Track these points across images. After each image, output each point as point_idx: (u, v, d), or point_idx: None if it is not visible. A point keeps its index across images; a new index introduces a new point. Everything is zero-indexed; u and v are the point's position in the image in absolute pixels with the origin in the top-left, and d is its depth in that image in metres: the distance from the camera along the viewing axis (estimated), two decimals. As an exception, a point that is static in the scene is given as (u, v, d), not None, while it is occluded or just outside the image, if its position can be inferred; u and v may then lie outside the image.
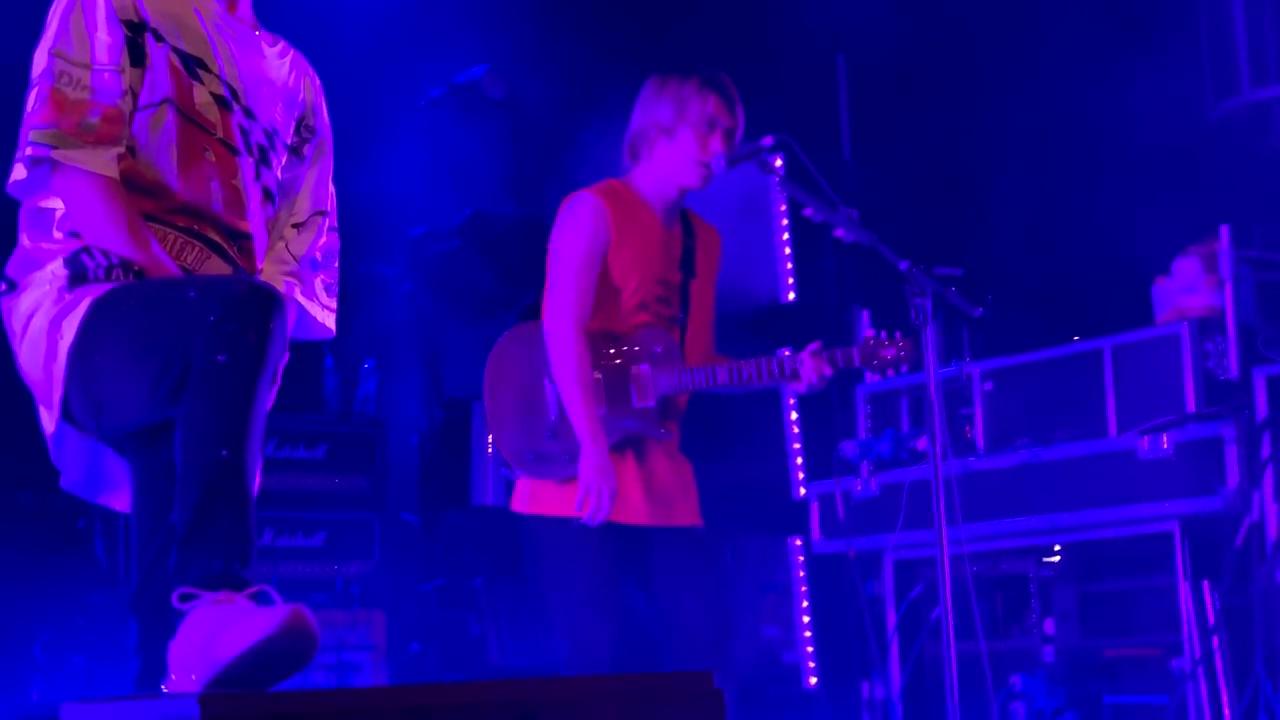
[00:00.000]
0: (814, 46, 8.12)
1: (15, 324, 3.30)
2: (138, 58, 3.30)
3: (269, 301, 3.01)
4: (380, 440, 7.62)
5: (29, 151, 3.23)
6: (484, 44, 7.92)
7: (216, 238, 3.37)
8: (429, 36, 8.03)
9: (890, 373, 4.89)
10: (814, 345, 4.88)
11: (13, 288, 3.32)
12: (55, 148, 3.21)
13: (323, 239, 3.69)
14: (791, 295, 7.86)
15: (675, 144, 4.93)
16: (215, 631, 2.78)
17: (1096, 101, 7.67)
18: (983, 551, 6.34)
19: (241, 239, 3.43)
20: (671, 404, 4.97)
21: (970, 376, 6.46)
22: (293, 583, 7.09)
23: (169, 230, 3.32)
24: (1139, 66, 7.28)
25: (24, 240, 3.33)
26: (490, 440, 4.90)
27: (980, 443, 6.40)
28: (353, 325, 7.50)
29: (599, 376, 4.88)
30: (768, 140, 4.90)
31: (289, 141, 3.58)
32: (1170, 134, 7.25)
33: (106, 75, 3.26)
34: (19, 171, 3.26)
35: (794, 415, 7.78)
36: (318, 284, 3.68)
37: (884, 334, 4.86)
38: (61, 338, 3.17)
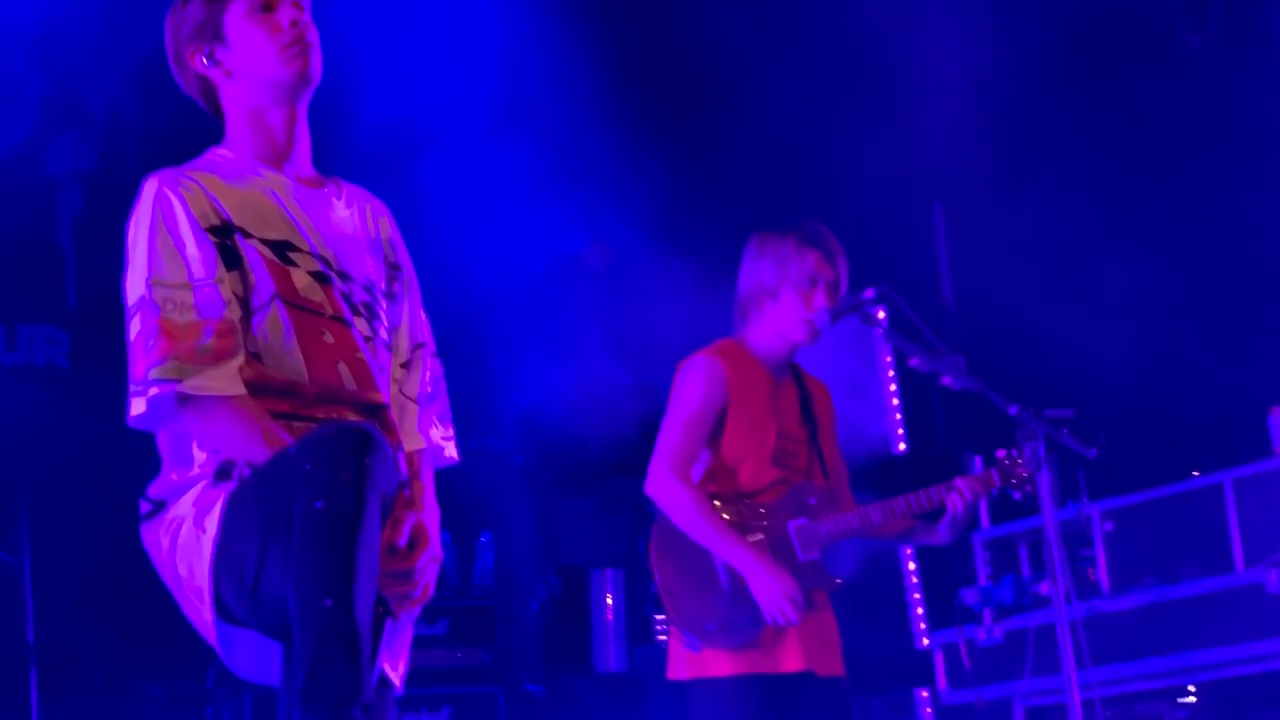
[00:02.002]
0: (911, 195, 8.16)
1: (163, 539, 3.27)
2: (232, 260, 3.27)
3: (361, 440, 2.97)
4: (500, 612, 7.63)
5: (154, 391, 3.18)
6: (588, 213, 8.02)
7: (354, 417, 3.32)
8: (533, 208, 8.15)
9: (1029, 489, 4.84)
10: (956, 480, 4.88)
11: (158, 509, 3.31)
12: (180, 380, 3.18)
13: (428, 371, 3.63)
14: (902, 445, 7.84)
15: (780, 304, 4.96)
16: None
17: (1200, 234, 7.65)
18: (1115, 695, 6.23)
19: (378, 410, 3.39)
20: (834, 552, 4.98)
21: (1089, 517, 6.39)
22: (420, 760, 7.09)
23: (309, 424, 3.27)
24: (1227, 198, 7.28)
25: (171, 474, 3.30)
26: (667, 618, 4.87)
27: (1104, 584, 6.32)
28: (467, 500, 7.54)
29: (760, 538, 4.88)
30: (870, 293, 4.92)
31: (384, 289, 3.54)
32: None
33: (207, 290, 3.22)
34: (138, 406, 3.21)
35: (911, 565, 7.72)
36: (434, 417, 3.63)
37: (1014, 451, 4.83)
38: (204, 533, 3.15)
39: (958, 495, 4.84)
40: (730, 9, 8.10)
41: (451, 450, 3.65)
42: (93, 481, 7.57)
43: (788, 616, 4.74)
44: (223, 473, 3.22)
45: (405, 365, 3.59)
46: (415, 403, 3.58)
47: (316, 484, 2.93)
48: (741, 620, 4.81)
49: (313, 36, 3.43)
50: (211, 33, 3.40)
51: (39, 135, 8.19)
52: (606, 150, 8.15)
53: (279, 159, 3.44)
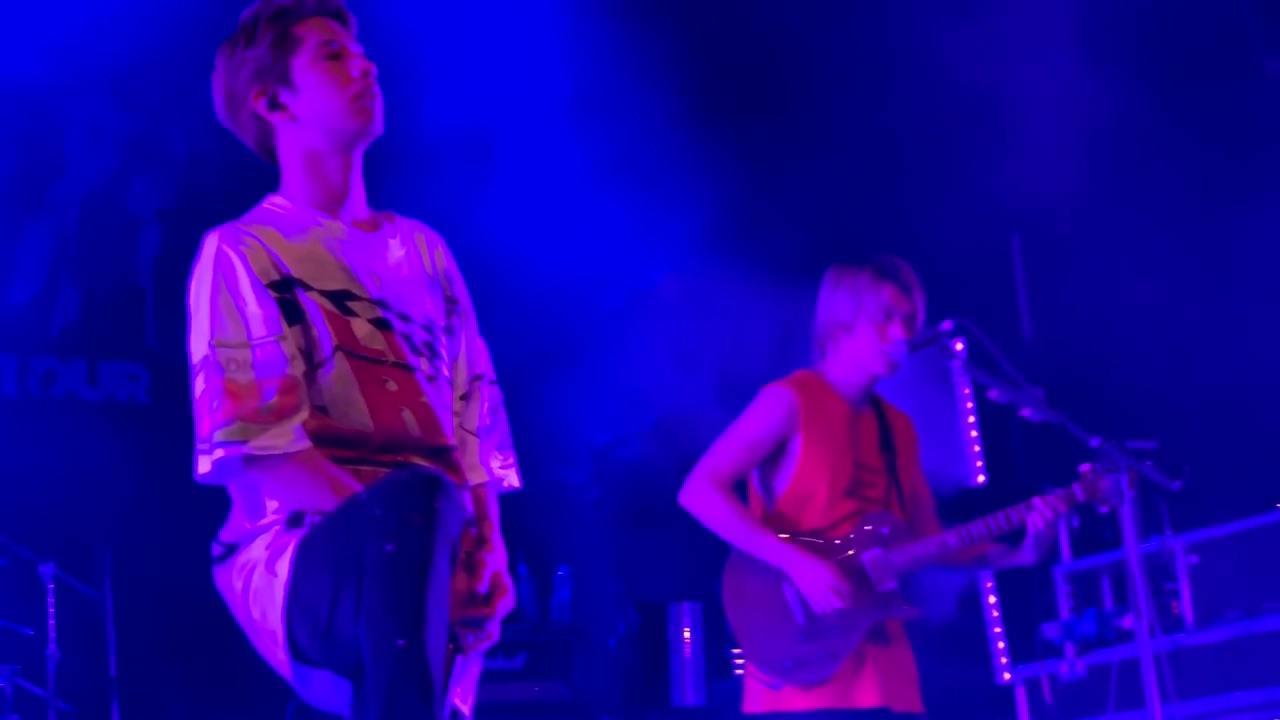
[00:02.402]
0: (988, 227, 8.12)
1: (236, 583, 3.31)
2: (294, 315, 3.30)
3: (430, 485, 3.01)
4: (578, 647, 7.62)
5: (220, 454, 3.21)
6: (667, 245, 8.03)
7: (421, 462, 3.36)
8: (607, 242, 8.16)
9: (1116, 502, 4.79)
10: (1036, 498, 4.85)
11: (230, 551, 3.34)
12: (245, 441, 3.21)
13: (486, 402, 3.65)
14: (981, 478, 7.78)
15: (856, 338, 4.96)
16: None
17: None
18: (1200, 730, 6.16)
19: (443, 453, 3.42)
20: (910, 582, 4.96)
21: (1173, 550, 6.33)
22: (498, 795, 7.08)
23: (377, 469, 3.31)
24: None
25: (244, 521, 3.33)
26: (742, 656, 4.88)
27: (1188, 617, 6.25)
28: (545, 534, 7.55)
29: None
30: (947, 325, 4.89)
31: (444, 325, 3.56)
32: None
33: (269, 347, 3.25)
34: (204, 465, 3.25)
35: (992, 599, 7.66)
36: (494, 448, 3.65)
37: (1097, 465, 4.79)
38: (276, 577, 3.19)
39: (1037, 514, 4.81)
40: (812, 33, 8.09)
41: (513, 478, 3.67)
42: (172, 517, 7.62)
43: (833, 604, 4.73)
44: (294, 520, 3.26)
45: (464, 397, 3.61)
46: (475, 435, 3.61)
47: (387, 528, 2.97)
48: (819, 656, 4.80)
49: (378, 88, 3.46)
50: (277, 76, 3.42)
51: (121, 174, 8.28)
52: (688, 183, 8.16)
53: (335, 205, 3.46)
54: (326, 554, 3.11)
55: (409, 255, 3.53)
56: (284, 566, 3.18)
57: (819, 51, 8.09)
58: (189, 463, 3.24)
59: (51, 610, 6.73)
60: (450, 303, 3.60)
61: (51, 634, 6.71)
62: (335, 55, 3.42)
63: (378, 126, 3.45)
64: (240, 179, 3.50)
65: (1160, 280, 7.68)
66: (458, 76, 7.84)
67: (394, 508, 2.98)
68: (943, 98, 7.90)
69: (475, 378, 3.64)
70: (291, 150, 3.45)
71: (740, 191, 8.04)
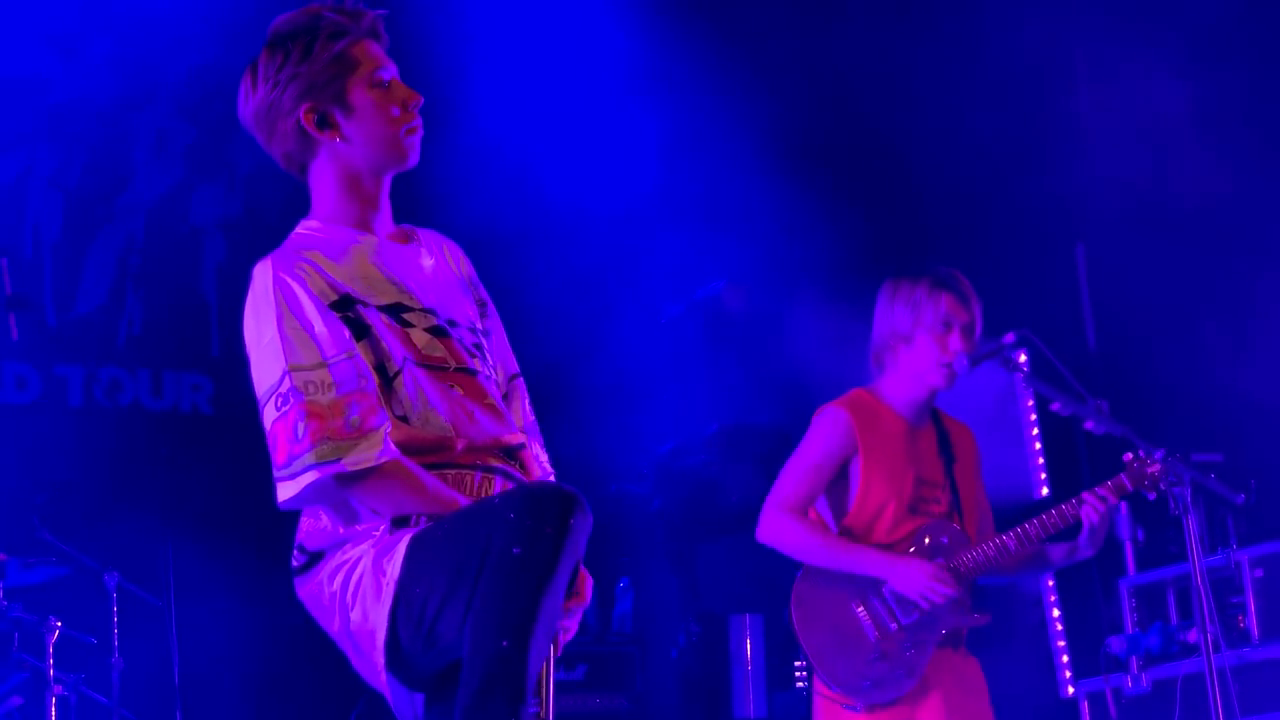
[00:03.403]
0: (1052, 238, 8.08)
1: (329, 586, 3.29)
2: (360, 331, 3.31)
3: (571, 503, 3.02)
4: (639, 658, 7.61)
5: (314, 476, 3.21)
6: (726, 254, 8.03)
7: (497, 463, 3.38)
8: (666, 253, 8.17)
9: (1163, 488, 4.76)
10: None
11: (315, 560, 3.34)
12: (338, 459, 3.21)
13: (526, 398, 3.67)
14: (1045, 490, 7.74)
15: (915, 349, 4.94)
16: None
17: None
18: (1266, 745, 6.10)
19: (516, 450, 3.44)
20: (975, 590, 4.95)
21: (1239, 564, 6.28)
22: (559, 806, 7.07)
23: (461, 473, 3.32)
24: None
25: (338, 528, 3.33)
26: (820, 682, 4.87)
27: (1254, 632, 6.20)
28: (606, 545, 7.55)
29: None
30: (1010, 337, 4.88)
31: (481, 328, 3.57)
32: None
33: (344, 364, 3.25)
34: (289, 490, 3.24)
35: (1056, 612, 7.61)
36: (539, 445, 3.66)
37: (1141, 452, 4.76)
38: (384, 576, 3.18)
39: (1089, 507, 4.80)
40: (877, 46, 8.08)
41: (549, 470, 3.67)
42: (235, 526, 7.67)
43: (942, 594, 4.73)
44: (400, 521, 3.26)
45: (506, 397, 3.62)
46: (527, 435, 3.61)
47: (519, 532, 2.98)
48: (895, 673, 4.80)
49: (420, 120, 3.47)
50: (332, 95, 3.40)
51: (184, 185, 8.34)
52: (747, 190, 8.16)
53: (367, 223, 3.47)
54: (447, 551, 3.10)
55: (439, 263, 3.56)
56: (394, 565, 3.17)
57: (885, 60, 8.08)
58: (252, 472, 3.26)
59: (115, 619, 6.78)
60: (481, 305, 3.62)
61: (115, 643, 6.75)
62: (387, 85, 3.43)
63: (415, 160, 3.47)
64: (302, 191, 3.49)
65: (1225, 291, 7.63)
66: (527, 106, 7.87)
67: (530, 514, 2.99)
68: (1008, 106, 7.87)
69: (512, 376, 3.67)
70: (330, 170, 3.45)
71: (803, 202, 8.03)
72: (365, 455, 3.22)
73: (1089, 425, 4.74)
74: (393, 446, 3.25)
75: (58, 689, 6.50)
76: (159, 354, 8.23)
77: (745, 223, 8.18)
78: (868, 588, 4.89)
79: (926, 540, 4.90)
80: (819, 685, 4.88)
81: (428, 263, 3.52)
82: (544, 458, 3.66)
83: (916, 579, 4.78)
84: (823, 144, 8.37)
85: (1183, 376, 7.58)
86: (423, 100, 3.46)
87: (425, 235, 3.60)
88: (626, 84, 8.21)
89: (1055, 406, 4.78)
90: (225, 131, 8.36)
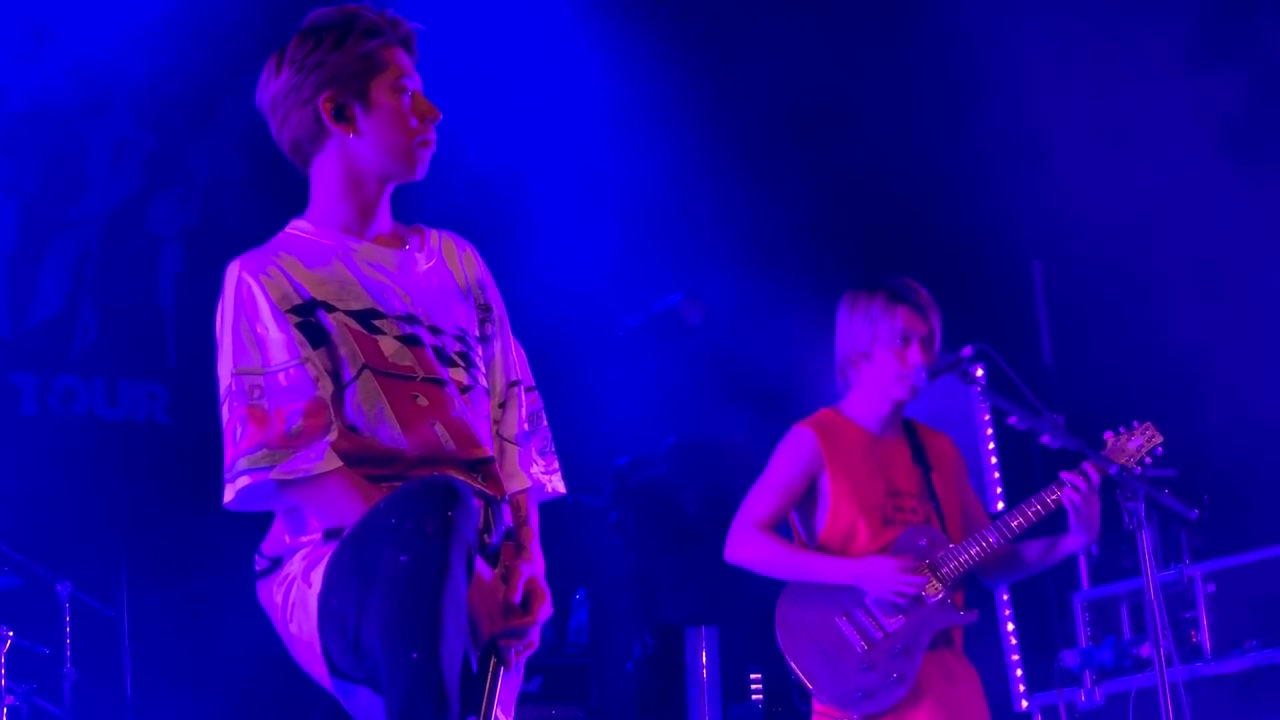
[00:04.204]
0: (1009, 254, 8.11)
1: (277, 597, 3.30)
2: (318, 338, 3.30)
3: (446, 494, 3.00)
4: (595, 669, 7.61)
5: (246, 481, 3.22)
6: (679, 268, 8.03)
7: (457, 476, 3.32)
8: (624, 265, 8.17)
9: (1149, 460, 4.77)
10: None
11: (274, 566, 3.34)
12: (271, 467, 3.21)
13: (524, 408, 3.63)
14: (1000, 505, 7.77)
15: (875, 365, 4.96)
16: None
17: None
18: (1218, 760, 6.13)
19: (480, 465, 3.40)
20: (960, 588, 4.94)
21: (1192, 579, 6.31)
22: (514, 819, 7.06)
23: None
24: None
25: (284, 536, 3.34)
26: (816, 701, 4.86)
27: (1207, 647, 6.23)
28: (562, 556, 7.54)
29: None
30: (967, 350, 4.89)
31: (478, 334, 3.55)
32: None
33: (292, 371, 3.25)
34: (229, 494, 3.25)
35: (1010, 626, 7.64)
36: (534, 453, 3.62)
37: (1121, 429, 4.78)
38: (310, 588, 3.20)
39: (1070, 489, 4.78)
40: (831, 56, 8.10)
41: (557, 483, 3.66)
42: (190, 536, 7.64)
43: (915, 584, 4.73)
44: (332, 533, 3.26)
45: (501, 405, 3.59)
46: (514, 443, 3.58)
47: (401, 538, 2.96)
48: (886, 682, 4.79)
49: (434, 136, 3.47)
50: (356, 91, 3.40)
51: (142, 194, 8.30)
52: (703, 202, 8.17)
53: (362, 226, 3.46)
54: (353, 565, 3.11)
55: (437, 267, 3.52)
56: (318, 578, 3.18)
57: (842, 75, 8.10)
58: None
59: (68, 629, 6.74)
60: (484, 310, 3.59)
61: (67, 653, 6.71)
62: (409, 94, 3.44)
63: (423, 174, 3.47)
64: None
65: (1181, 308, 7.67)
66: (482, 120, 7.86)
67: (408, 516, 2.97)
68: (967, 122, 7.90)
69: (512, 384, 3.62)
70: (335, 165, 3.44)
71: (758, 214, 8.05)
72: (300, 465, 3.21)
73: (1045, 439, 4.75)
74: (334, 457, 3.24)
75: (9, 699, 6.46)
76: (115, 363, 8.18)
77: (702, 236, 8.19)
78: (850, 600, 4.89)
79: (904, 546, 4.90)
80: (816, 705, 4.88)
81: (424, 267, 3.50)
82: (541, 466, 3.62)
83: (886, 577, 4.78)
84: (778, 157, 8.39)
85: (1138, 392, 7.61)
86: (441, 117, 3.46)
87: (430, 235, 3.58)
88: (580, 88, 8.22)
89: (1012, 420, 4.79)
90: (184, 140, 8.33)
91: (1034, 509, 4.82)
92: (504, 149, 8.01)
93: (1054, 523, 4.91)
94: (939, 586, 4.84)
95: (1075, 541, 4.88)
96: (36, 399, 8.03)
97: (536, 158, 8.20)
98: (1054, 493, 4.81)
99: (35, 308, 8.10)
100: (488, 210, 7.74)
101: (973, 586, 5.06)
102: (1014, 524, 4.84)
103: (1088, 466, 4.76)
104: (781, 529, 5.04)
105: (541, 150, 8.21)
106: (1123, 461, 4.74)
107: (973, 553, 4.86)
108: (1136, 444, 4.79)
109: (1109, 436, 4.83)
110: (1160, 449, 4.81)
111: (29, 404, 8.02)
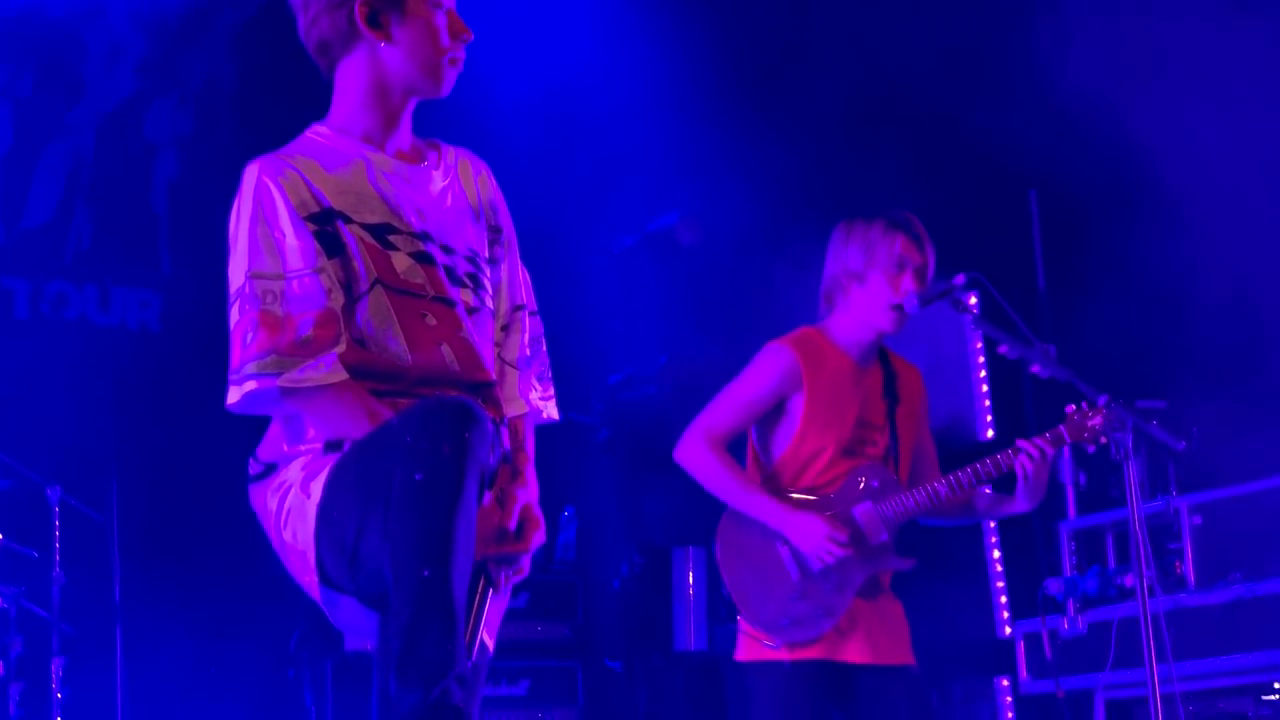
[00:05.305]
0: (1005, 183, 8.09)
1: (270, 503, 3.31)
2: (334, 248, 3.29)
3: (462, 414, 3.00)
4: (581, 587, 7.65)
5: (252, 385, 3.21)
6: (675, 188, 8.01)
7: (457, 396, 3.30)
8: (620, 182, 8.14)
9: (1103, 441, 4.78)
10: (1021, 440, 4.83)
11: (268, 471, 3.34)
12: (279, 373, 3.20)
13: (527, 332, 3.64)
14: (990, 433, 7.78)
15: (867, 288, 4.93)
16: None
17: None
18: (1198, 690, 6.17)
19: (483, 388, 3.41)
20: (904, 535, 4.96)
21: (1178, 511, 6.32)
22: (498, 731, 7.13)
23: (413, 400, 3.29)
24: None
25: (282, 444, 3.34)
26: (742, 619, 4.88)
27: (1191, 578, 6.25)
28: (551, 474, 7.56)
29: None
30: (960, 279, 4.87)
31: (487, 255, 3.55)
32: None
33: (307, 280, 3.24)
34: (234, 395, 3.25)
35: (996, 554, 7.67)
36: (533, 379, 3.64)
37: (1084, 405, 4.78)
38: (309, 498, 3.20)
39: (1025, 456, 4.79)
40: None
41: (551, 410, 3.68)
42: (179, 443, 7.65)
43: (835, 555, 4.74)
44: (333, 445, 3.26)
45: (504, 328, 3.60)
46: (515, 367, 3.60)
47: (417, 456, 2.96)
48: (814, 613, 4.81)
49: (463, 55, 3.46)
50: None
51: (137, 100, 8.27)
52: (699, 126, 8.13)
53: (383, 137, 3.45)
54: (357, 479, 3.11)
55: (452, 185, 3.52)
56: (318, 488, 3.19)
57: (842, 4, 8.06)
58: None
59: (57, 533, 6.76)
60: (494, 232, 3.59)
61: (56, 557, 6.73)
62: (444, 9, 3.43)
63: (448, 91, 3.46)
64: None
65: (1177, 240, 7.66)
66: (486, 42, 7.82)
67: (425, 435, 2.97)
68: (961, 50, 7.86)
69: (516, 308, 3.63)
70: (362, 71, 3.42)
71: (753, 144, 8.02)
72: (307, 374, 3.21)
73: (1035, 369, 4.75)
74: (341, 369, 3.23)
75: (-2, 601, 6.50)
76: (108, 269, 8.17)
77: (697, 159, 8.16)
78: None
79: (860, 483, 4.90)
80: (741, 622, 4.89)
81: (439, 184, 3.49)
82: (538, 392, 3.63)
83: (812, 537, 4.76)
84: (775, 83, 8.35)
85: (1130, 322, 7.62)
86: (473, 38, 3.45)
87: (447, 152, 3.57)
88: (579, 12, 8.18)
89: (1003, 349, 4.78)
90: (180, 46, 8.29)
91: (987, 469, 4.82)
92: (508, 67, 7.97)
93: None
94: (882, 529, 4.85)
95: (1018, 506, 4.91)
96: (29, 304, 8.03)
97: (538, 74, 8.16)
98: (1009, 458, 4.80)
99: (29, 212, 8.08)
100: (475, 127, 7.71)
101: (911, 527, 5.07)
102: (965, 480, 4.84)
103: (1041, 441, 4.77)
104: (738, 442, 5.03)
105: (542, 67, 8.17)
106: (1077, 439, 4.75)
107: (921, 501, 4.86)
108: (1097, 423, 4.77)
109: (1070, 409, 4.81)
110: (1106, 441, 4.78)
111: (21, 308, 8.01)
